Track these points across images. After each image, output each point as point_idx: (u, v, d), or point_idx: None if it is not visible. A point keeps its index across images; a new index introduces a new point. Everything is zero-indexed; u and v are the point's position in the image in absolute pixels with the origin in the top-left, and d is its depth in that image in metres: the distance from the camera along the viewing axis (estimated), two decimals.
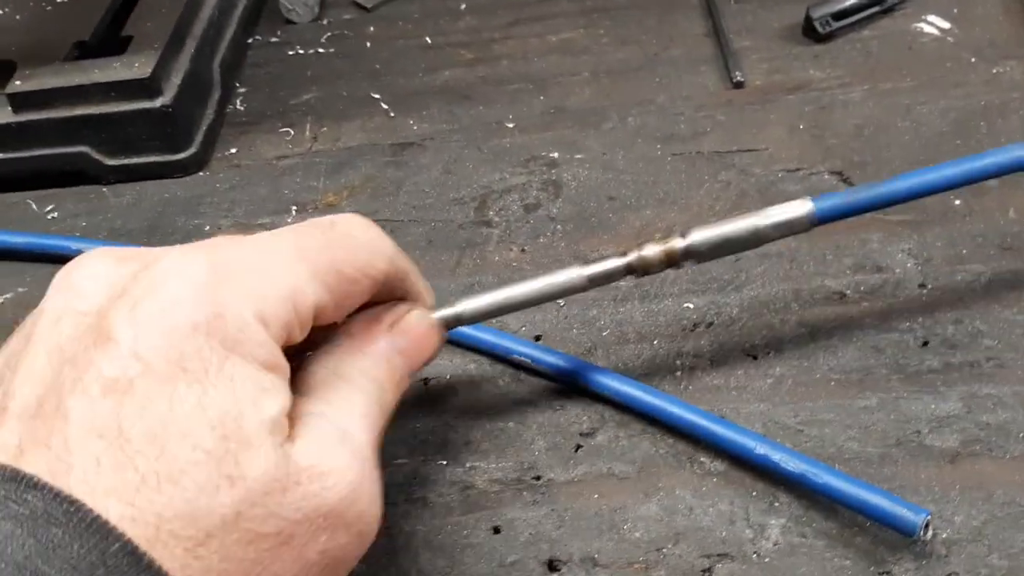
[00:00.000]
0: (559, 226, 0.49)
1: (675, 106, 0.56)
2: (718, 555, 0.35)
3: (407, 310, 0.35)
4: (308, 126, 0.60)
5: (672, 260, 0.37)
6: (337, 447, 0.29)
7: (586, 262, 0.37)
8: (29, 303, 0.39)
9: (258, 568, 0.26)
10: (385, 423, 0.32)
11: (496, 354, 0.43)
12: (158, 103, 0.54)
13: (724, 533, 0.35)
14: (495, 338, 0.43)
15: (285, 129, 0.60)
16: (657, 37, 0.61)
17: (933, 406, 0.38)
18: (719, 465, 0.37)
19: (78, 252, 0.33)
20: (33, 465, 0.25)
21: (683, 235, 0.37)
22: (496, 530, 0.37)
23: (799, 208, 0.37)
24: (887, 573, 0.33)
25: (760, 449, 0.36)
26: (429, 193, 0.53)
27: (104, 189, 0.57)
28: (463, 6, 0.68)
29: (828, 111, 0.53)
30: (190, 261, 0.28)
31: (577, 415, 0.40)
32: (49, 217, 0.56)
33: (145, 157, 0.57)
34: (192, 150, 0.57)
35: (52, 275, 0.30)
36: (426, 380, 0.43)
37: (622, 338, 0.43)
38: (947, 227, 0.45)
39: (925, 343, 0.40)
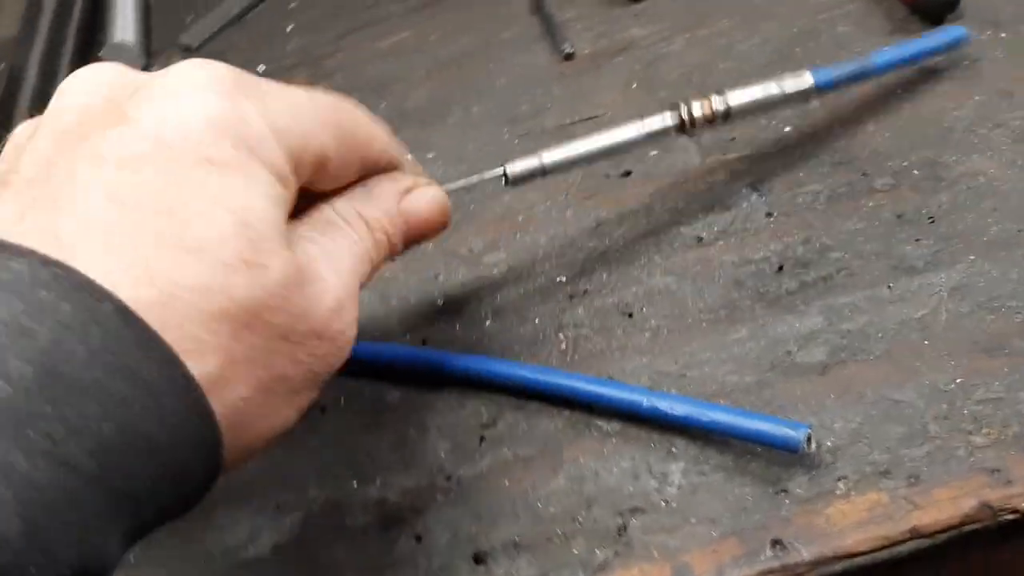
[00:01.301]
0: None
1: (514, 88, 0.57)
2: (629, 510, 0.36)
3: (427, 182, 0.37)
4: None
5: (713, 119, 0.43)
6: (326, 268, 0.30)
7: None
8: None
9: (262, 357, 0.27)
10: (366, 278, 0.33)
11: (378, 369, 0.43)
12: None
13: (631, 488, 0.37)
14: (383, 352, 0.43)
15: None
16: (486, 24, 0.62)
17: (797, 325, 0.40)
18: (615, 426, 0.39)
19: None
20: (29, 232, 0.24)
21: (719, 92, 0.43)
22: (418, 539, 0.38)
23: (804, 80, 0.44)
24: (783, 491, 0.35)
25: (647, 402, 0.37)
26: None
27: None
28: (290, 27, 0.68)
29: (655, 66, 0.55)
30: (212, 67, 0.28)
31: (475, 409, 0.41)
32: None
33: None
34: None
35: None
36: (323, 408, 0.43)
37: (504, 324, 0.44)
38: (782, 156, 0.48)
39: (780, 268, 0.43)
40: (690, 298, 0.43)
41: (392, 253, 0.35)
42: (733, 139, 0.49)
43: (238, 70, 0.30)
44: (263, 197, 0.27)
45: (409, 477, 0.40)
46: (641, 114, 0.52)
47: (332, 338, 0.29)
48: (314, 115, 0.30)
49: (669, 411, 0.37)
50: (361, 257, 0.32)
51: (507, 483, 0.38)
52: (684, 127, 0.42)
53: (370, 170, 0.34)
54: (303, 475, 0.41)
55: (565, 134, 0.53)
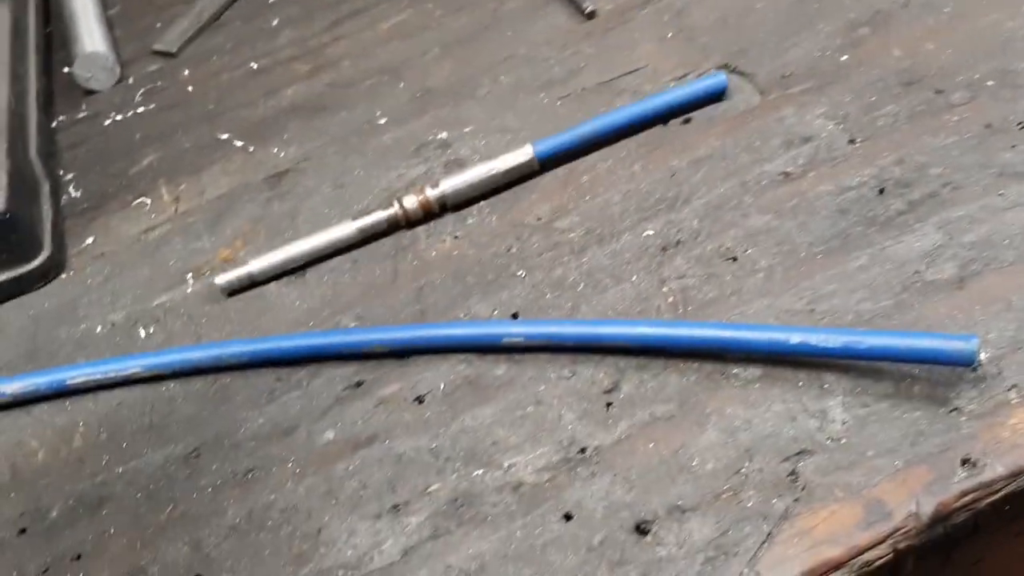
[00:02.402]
0: (483, 202, 0.47)
1: (540, 53, 0.54)
2: (796, 454, 0.34)
3: None
4: (163, 189, 0.54)
5: (429, 209, 0.46)
6: None
7: (354, 216, 0.45)
8: None
9: None
10: None
11: (483, 346, 0.40)
12: None
13: (791, 432, 0.34)
14: (480, 329, 0.40)
15: (139, 200, 0.53)
16: None
17: (917, 244, 0.38)
18: (754, 371, 0.36)
19: None
20: None
21: (434, 186, 0.45)
22: (568, 517, 0.34)
23: (523, 154, 0.46)
24: (955, 409, 0.33)
25: (795, 339, 0.35)
26: (329, 214, 0.49)
27: None
28: (275, 21, 0.64)
29: (686, 13, 0.53)
30: None
31: (592, 376, 0.38)
32: None
33: None
34: (45, 253, 0.50)
35: None
36: (420, 398, 0.39)
37: (598, 286, 0.41)
38: (847, 83, 0.46)
39: (881, 191, 0.41)
40: (795, 233, 0.40)
41: None
42: (790, 74, 0.48)
43: None
44: None
45: (539, 455, 0.36)
46: (684, 64, 0.50)
47: None
48: None
49: (823, 344, 0.34)
50: None
51: (652, 445, 0.35)
52: (400, 222, 0.46)
53: None
54: (414, 471, 0.37)
55: (610, 90, 0.50)
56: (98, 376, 0.43)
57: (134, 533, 0.38)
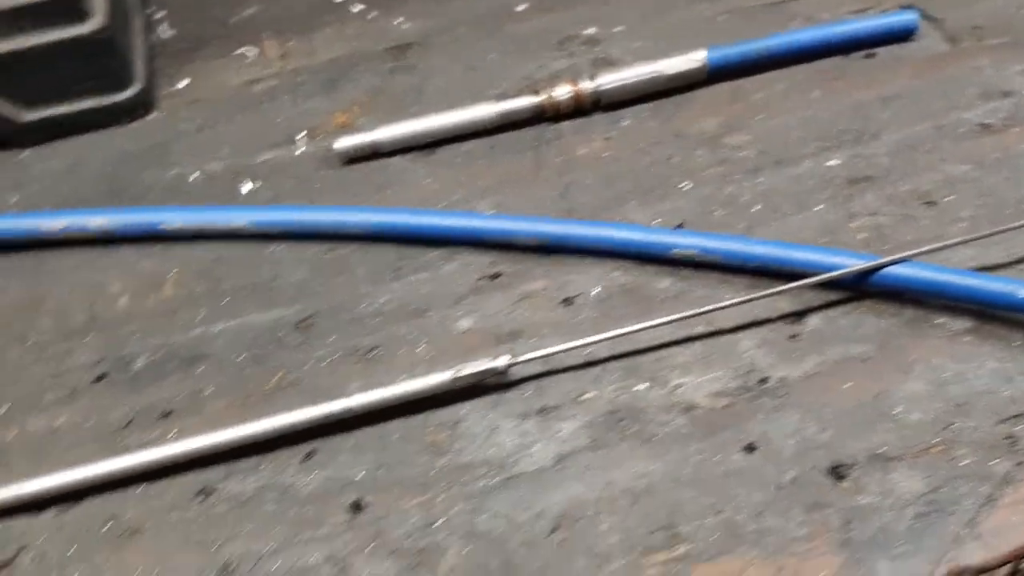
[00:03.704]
0: (639, 105, 0.42)
1: None
2: (1014, 416, 0.30)
3: None
4: (268, 43, 0.48)
5: (580, 104, 0.41)
6: None
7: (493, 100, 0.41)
8: None
9: None
10: None
11: (647, 255, 0.36)
12: (88, 28, 0.42)
13: (1009, 392, 0.31)
14: (647, 236, 0.35)
15: (241, 51, 0.48)
16: None
17: None
18: (964, 323, 0.33)
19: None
20: None
21: (590, 79, 0.41)
22: (750, 448, 0.30)
23: (694, 59, 0.42)
24: None
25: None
26: (460, 95, 0.44)
27: (23, 153, 0.44)
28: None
29: None
30: None
31: (773, 302, 0.34)
32: None
33: (76, 104, 0.44)
34: (136, 87, 0.44)
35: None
36: (568, 300, 0.35)
37: (777, 211, 0.37)
38: None
39: None
40: (1002, 187, 0.37)
41: None
42: (982, 26, 0.44)
43: None
44: None
45: (712, 379, 0.32)
46: (852, 8, 0.46)
47: None
48: None
49: None
50: None
51: (848, 386, 0.31)
52: (546, 113, 0.41)
53: None
54: (566, 374, 0.33)
55: (780, 13, 0.46)
56: (198, 224, 0.38)
57: (235, 397, 0.34)
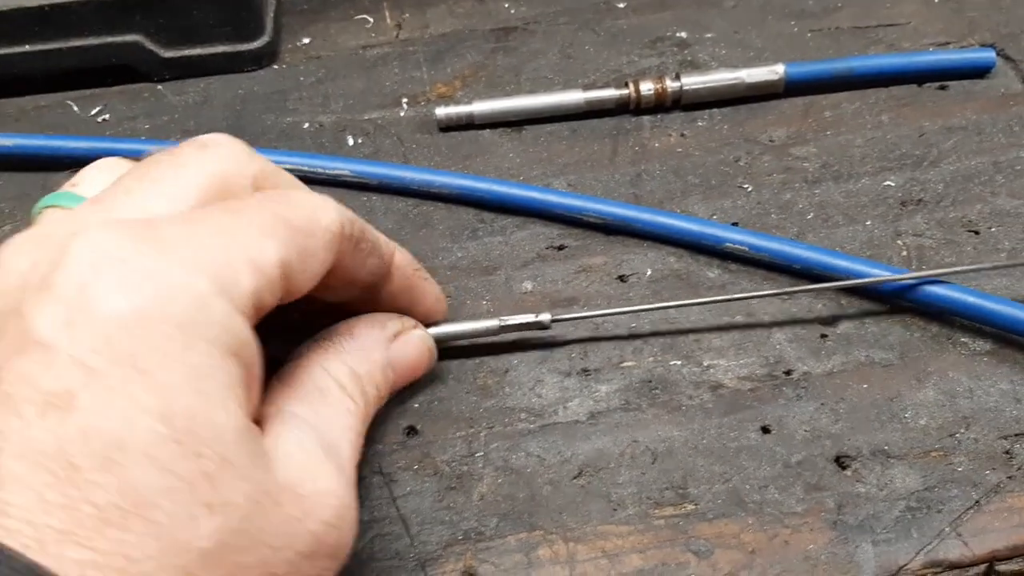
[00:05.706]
0: (715, 108, 0.45)
1: None
2: (1015, 435, 0.33)
3: (413, 326, 0.33)
4: (387, 13, 0.53)
5: (662, 100, 0.45)
6: (323, 464, 0.25)
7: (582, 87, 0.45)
8: None
9: None
10: (363, 442, 0.28)
11: (700, 245, 0.39)
12: None
13: (1015, 412, 0.33)
14: (702, 227, 0.39)
15: (361, 16, 0.53)
16: None
17: None
18: (984, 344, 0.35)
19: None
20: None
21: (675, 78, 0.44)
22: (765, 430, 0.34)
23: (773, 71, 0.44)
24: None
25: None
26: (553, 79, 0.48)
27: (159, 87, 0.49)
28: None
29: None
30: (111, 237, 0.23)
31: (810, 304, 0.37)
32: (99, 120, 0.48)
33: (210, 47, 0.49)
34: (265, 38, 0.49)
35: None
36: (623, 277, 0.39)
37: (828, 221, 0.40)
38: None
39: None
40: None
41: (378, 406, 0.30)
42: None
43: (146, 222, 0.23)
44: (218, 398, 0.22)
45: (742, 365, 0.36)
46: (947, 32, 0.48)
47: (329, 555, 0.24)
48: (248, 227, 0.24)
49: None
50: (359, 431, 0.28)
51: (865, 387, 0.34)
52: (629, 105, 0.45)
53: (343, 244, 0.27)
54: (609, 343, 0.36)
55: (865, 37, 0.48)
56: (306, 167, 0.43)
57: None
